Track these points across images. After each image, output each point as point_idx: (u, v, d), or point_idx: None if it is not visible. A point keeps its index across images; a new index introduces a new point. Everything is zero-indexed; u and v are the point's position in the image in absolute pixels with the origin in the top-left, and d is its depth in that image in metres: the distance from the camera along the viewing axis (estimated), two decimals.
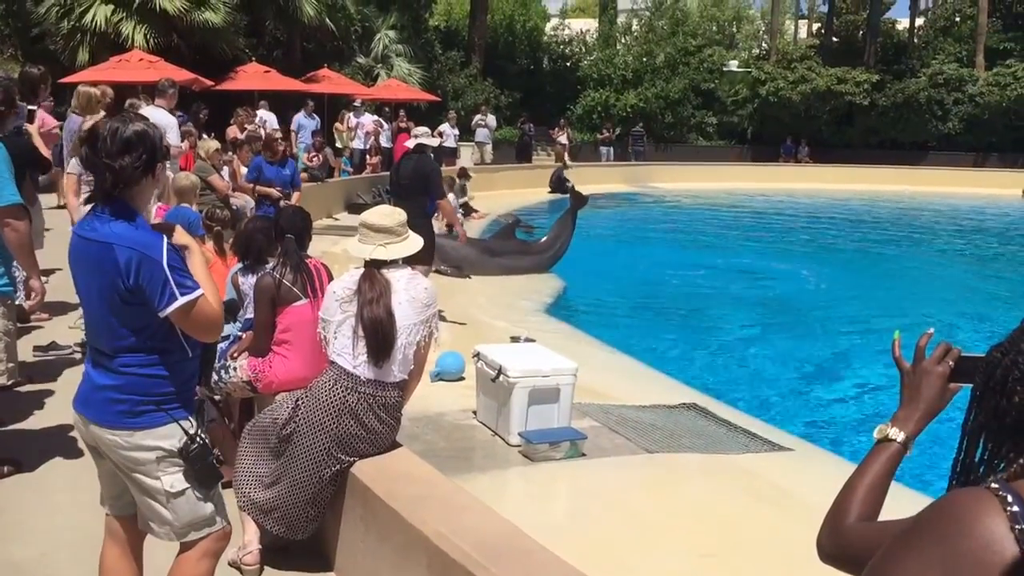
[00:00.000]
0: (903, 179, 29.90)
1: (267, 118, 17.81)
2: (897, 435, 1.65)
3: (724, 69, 37.06)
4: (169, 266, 2.65)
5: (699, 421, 6.38)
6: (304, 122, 18.64)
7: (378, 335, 3.65)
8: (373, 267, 3.81)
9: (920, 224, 22.61)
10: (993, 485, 1.17)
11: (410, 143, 8.73)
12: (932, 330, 1.70)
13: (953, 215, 24.43)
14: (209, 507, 2.85)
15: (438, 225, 10.95)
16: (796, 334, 10.41)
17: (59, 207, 10.40)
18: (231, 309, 4.65)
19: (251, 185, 10.16)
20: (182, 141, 9.72)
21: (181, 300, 2.66)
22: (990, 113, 32.94)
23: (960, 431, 1.58)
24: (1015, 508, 1.10)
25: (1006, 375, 1.51)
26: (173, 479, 2.77)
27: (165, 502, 2.79)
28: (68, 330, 7.13)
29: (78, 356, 6.60)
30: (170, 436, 2.76)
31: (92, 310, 2.77)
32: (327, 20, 24.23)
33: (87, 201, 2.77)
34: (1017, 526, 1.09)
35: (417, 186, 8.08)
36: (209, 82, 19.49)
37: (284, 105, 21.21)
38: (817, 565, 4.35)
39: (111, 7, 20.54)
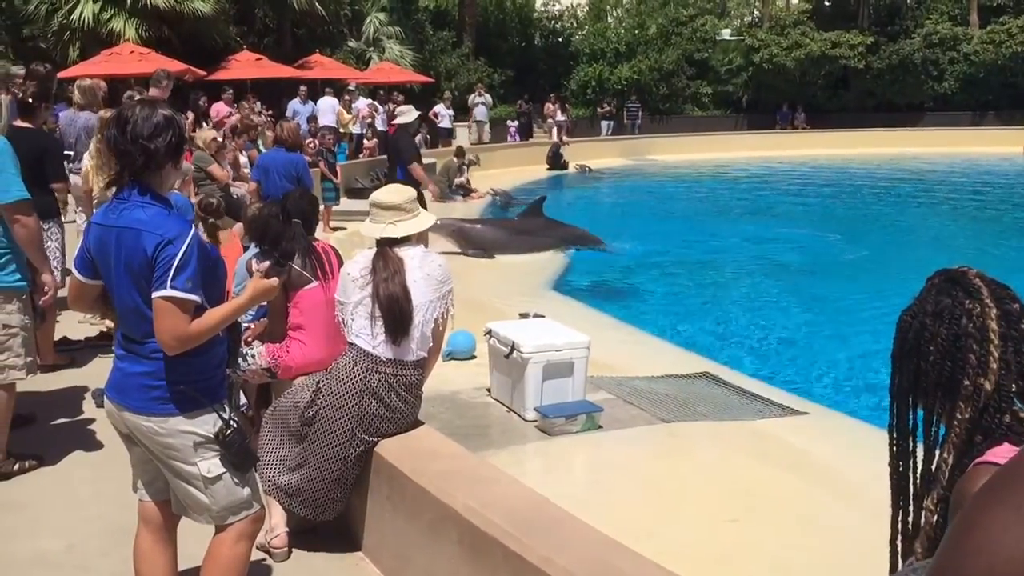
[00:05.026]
0: (901, 141, 29.77)
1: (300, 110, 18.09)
2: None
3: (717, 38, 36.85)
4: (183, 255, 2.63)
5: (713, 389, 6.39)
6: (299, 108, 18.59)
7: (394, 312, 3.65)
8: (385, 245, 3.80)
9: (925, 185, 22.53)
10: None
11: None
12: None
13: (959, 175, 24.32)
14: (246, 491, 2.87)
15: None
16: (805, 298, 10.41)
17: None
18: None
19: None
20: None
21: (170, 291, 2.62)
22: (986, 71, 32.80)
23: (889, 398, 1.62)
24: None
25: (918, 337, 1.55)
26: (210, 464, 2.78)
27: (203, 487, 2.80)
28: (78, 324, 7.12)
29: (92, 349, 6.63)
30: (205, 421, 2.77)
31: (123, 297, 2.77)
32: (317, 5, 24.09)
33: (109, 185, 2.76)
34: None
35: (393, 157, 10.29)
36: (202, 72, 19.41)
37: (277, 92, 21.16)
38: (838, 526, 4.37)
39: (99, 3, 20.43)
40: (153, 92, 9.22)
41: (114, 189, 2.76)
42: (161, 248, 2.62)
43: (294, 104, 18.82)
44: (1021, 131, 30.13)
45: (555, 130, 27.04)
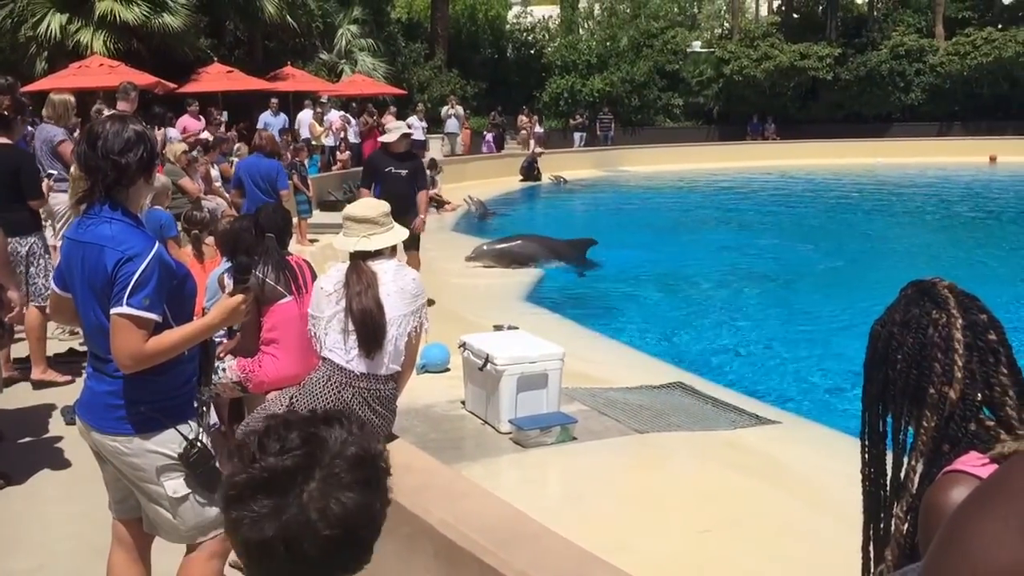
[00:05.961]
0: (869, 152, 30.12)
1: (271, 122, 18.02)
2: None
3: (688, 50, 37.17)
4: (142, 272, 2.59)
5: (686, 399, 6.42)
6: (270, 120, 18.52)
7: (368, 326, 3.64)
8: (359, 259, 3.79)
9: (896, 195, 22.81)
10: None
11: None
12: None
13: (927, 184, 24.63)
14: (214, 510, 2.83)
15: None
16: (778, 308, 10.49)
17: None
18: None
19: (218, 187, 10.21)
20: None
21: (126, 308, 2.58)
22: (951, 83, 33.31)
23: (860, 405, 1.65)
24: None
25: (887, 346, 1.59)
26: (175, 484, 2.75)
27: (169, 507, 2.77)
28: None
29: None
30: (169, 442, 2.73)
31: (88, 314, 2.74)
32: (288, 18, 23.97)
33: (79, 201, 2.74)
34: None
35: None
36: (172, 85, 19.26)
37: (248, 105, 21.05)
38: (812, 535, 4.39)
39: (66, 16, 20.24)
40: (121, 105, 9.14)
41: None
42: (121, 265, 2.59)
43: (265, 116, 18.74)
44: (986, 141, 30.64)
45: (531, 142, 27.12)
